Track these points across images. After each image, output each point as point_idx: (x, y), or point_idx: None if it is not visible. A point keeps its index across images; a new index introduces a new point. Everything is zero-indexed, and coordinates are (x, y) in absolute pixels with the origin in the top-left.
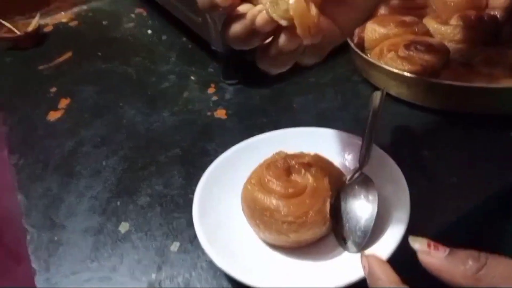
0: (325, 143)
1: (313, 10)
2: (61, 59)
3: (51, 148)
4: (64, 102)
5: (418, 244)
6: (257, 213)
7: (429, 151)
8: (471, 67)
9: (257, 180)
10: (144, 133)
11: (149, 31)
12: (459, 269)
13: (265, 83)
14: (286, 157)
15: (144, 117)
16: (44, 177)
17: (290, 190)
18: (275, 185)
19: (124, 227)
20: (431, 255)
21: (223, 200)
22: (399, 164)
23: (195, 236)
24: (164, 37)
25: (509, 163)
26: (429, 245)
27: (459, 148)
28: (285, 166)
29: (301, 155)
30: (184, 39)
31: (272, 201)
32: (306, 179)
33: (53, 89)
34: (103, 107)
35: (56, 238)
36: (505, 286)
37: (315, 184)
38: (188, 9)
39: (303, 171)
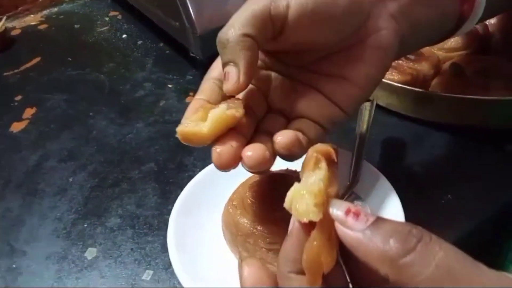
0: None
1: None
2: (28, 65)
3: (13, 163)
4: (29, 112)
5: (336, 209)
6: (240, 240)
7: (421, 167)
8: (463, 76)
9: (239, 202)
10: (115, 146)
11: (124, 36)
12: (376, 248)
13: None
14: (271, 175)
15: (117, 128)
16: (4, 196)
17: (276, 214)
18: (259, 208)
19: (91, 253)
20: (348, 225)
21: (202, 223)
22: (390, 181)
23: (170, 263)
24: (139, 42)
25: (506, 178)
26: (347, 211)
27: (453, 162)
28: (269, 186)
29: (286, 174)
30: (161, 44)
31: (256, 227)
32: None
33: (18, 97)
34: (71, 117)
35: (14, 265)
36: None
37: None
38: (165, 14)
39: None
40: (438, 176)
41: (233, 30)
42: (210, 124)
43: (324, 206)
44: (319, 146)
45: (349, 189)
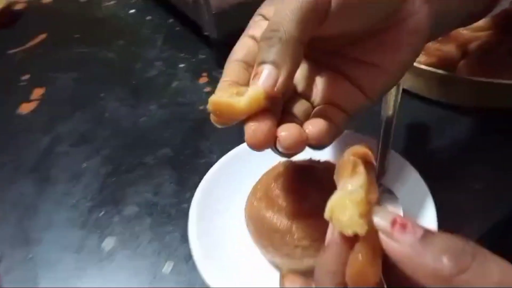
0: (334, 146)
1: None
2: (34, 42)
3: (23, 147)
4: (38, 92)
5: (380, 219)
6: (265, 235)
7: (449, 154)
8: (491, 58)
9: (264, 194)
10: (129, 129)
11: (132, 11)
12: (427, 265)
13: None
14: (296, 166)
15: (129, 110)
16: (16, 180)
17: (304, 208)
18: (286, 201)
19: (108, 243)
20: (395, 237)
21: (223, 214)
22: (415, 168)
23: (191, 255)
24: (148, 18)
25: None
26: (393, 222)
27: (482, 148)
28: (295, 177)
29: (312, 164)
30: (171, 20)
31: (283, 221)
32: (321, 193)
33: (26, 77)
34: (82, 97)
35: (31, 255)
36: None
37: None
38: None
39: (316, 183)
40: (467, 163)
41: (285, 32)
42: (248, 99)
43: (367, 216)
44: (356, 149)
45: (377, 180)
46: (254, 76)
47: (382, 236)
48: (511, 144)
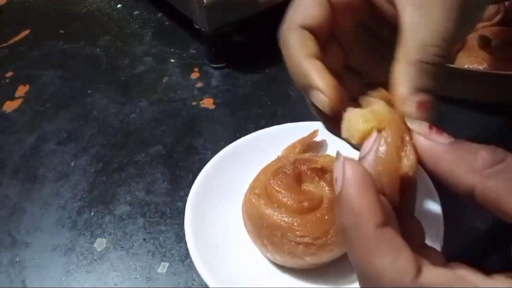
0: (333, 140)
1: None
2: (17, 38)
3: (8, 146)
4: (22, 90)
5: (417, 125)
6: (265, 232)
7: None
8: (490, 50)
9: (263, 191)
10: (118, 127)
11: (119, 6)
12: (465, 159)
13: (256, 67)
14: (296, 161)
15: (118, 107)
16: (1, 182)
17: (305, 204)
18: (286, 197)
19: (100, 244)
20: (432, 137)
21: (219, 212)
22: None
23: (186, 255)
24: (136, 12)
25: None
26: (431, 127)
27: (481, 140)
28: (295, 173)
29: (311, 159)
30: (160, 14)
31: (284, 218)
32: (321, 188)
33: (9, 74)
34: (68, 95)
35: (18, 258)
36: None
37: (332, 195)
38: None
39: (316, 178)
40: None
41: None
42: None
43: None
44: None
45: None
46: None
47: (418, 137)
48: (507, 136)
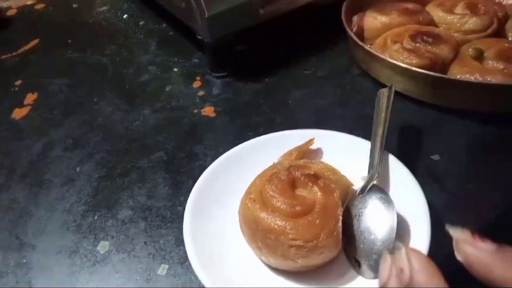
0: (328, 148)
1: None
2: (27, 47)
3: (17, 152)
4: (30, 98)
5: (459, 232)
6: (259, 235)
7: (440, 155)
8: (483, 60)
9: (258, 196)
10: (122, 133)
11: (125, 16)
12: (505, 267)
13: (256, 76)
14: (290, 167)
15: (123, 114)
16: (9, 186)
17: (298, 208)
18: (280, 202)
19: (103, 246)
20: (475, 245)
21: (217, 216)
22: (409, 169)
23: (185, 257)
24: (141, 23)
25: None
26: (473, 234)
27: (474, 150)
28: (289, 178)
29: (306, 165)
30: (164, 25)
31: (277, 222)
32: (314, 193)
33: (18, 82)
34: (74, 103)
35: (24, 260)
36: None
37: (324, 200)
38: None
39: (309, 184)
40: (458, 165)
41: None
42: None
43: None
44: None
45: (370, 181)
46: None
47: (466, 247)
48: (502, 145)
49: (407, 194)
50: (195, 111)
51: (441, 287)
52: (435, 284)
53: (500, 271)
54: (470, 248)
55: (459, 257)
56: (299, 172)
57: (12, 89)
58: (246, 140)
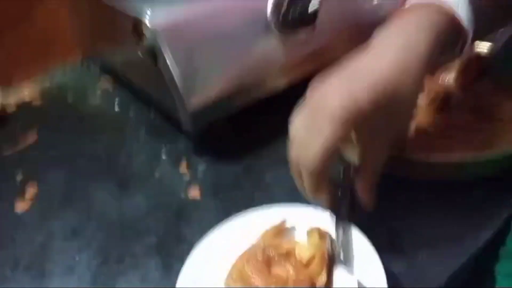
0: (301, 221)
1: None
2: (25, 143)
3: (20, 245)
4: (31, 191)
5: None
6: None
7: (399, 223)
8: (428, 135)
9: (238, 275)
10: (116, 220)
11: (116, 109)
12: None
13: (235, 159)
14: (265, 248)
15: (116, 202)
16: (13, 279)
17: (272, 286)
18: (257, 281)
19: None
20: None
21: None
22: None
23: None
24: (131, 115)
25: (479, 227)
26: None
27: (427, 214)
28: (264, 258)
29: (279, 245)
30: (152, 115)
31: None
32: (286, 271)
33: (19, 177)
34: (72, 193)
35: None
36: None
37: (295, 277)
38: (156, 92)
39: (282, 262)
40: (415, 232)
41: None
42: None
43: None
44: None
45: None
46: None
47: None
48: (449, 207)
49: (366, 263)
50: (182, 195)
51: None
52: None
53: None
54: None
55: None
56: (272, 252)
57: (14, 184)
58: (229, 218)
